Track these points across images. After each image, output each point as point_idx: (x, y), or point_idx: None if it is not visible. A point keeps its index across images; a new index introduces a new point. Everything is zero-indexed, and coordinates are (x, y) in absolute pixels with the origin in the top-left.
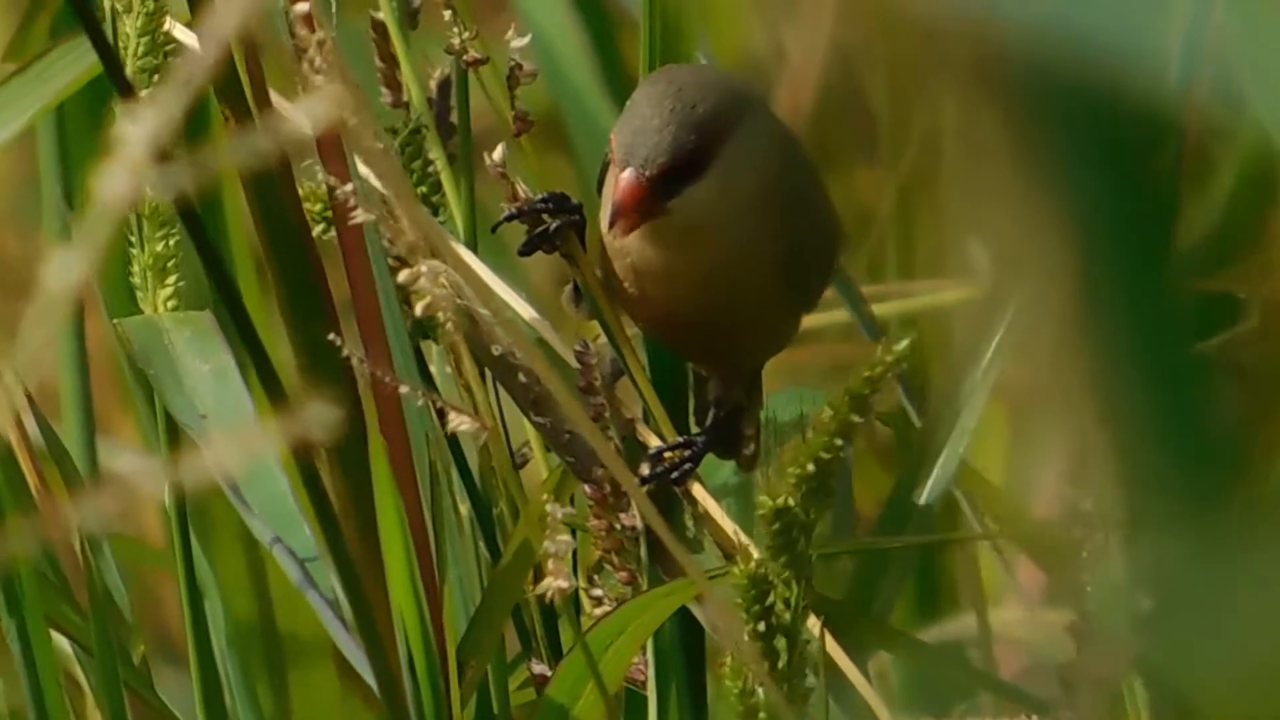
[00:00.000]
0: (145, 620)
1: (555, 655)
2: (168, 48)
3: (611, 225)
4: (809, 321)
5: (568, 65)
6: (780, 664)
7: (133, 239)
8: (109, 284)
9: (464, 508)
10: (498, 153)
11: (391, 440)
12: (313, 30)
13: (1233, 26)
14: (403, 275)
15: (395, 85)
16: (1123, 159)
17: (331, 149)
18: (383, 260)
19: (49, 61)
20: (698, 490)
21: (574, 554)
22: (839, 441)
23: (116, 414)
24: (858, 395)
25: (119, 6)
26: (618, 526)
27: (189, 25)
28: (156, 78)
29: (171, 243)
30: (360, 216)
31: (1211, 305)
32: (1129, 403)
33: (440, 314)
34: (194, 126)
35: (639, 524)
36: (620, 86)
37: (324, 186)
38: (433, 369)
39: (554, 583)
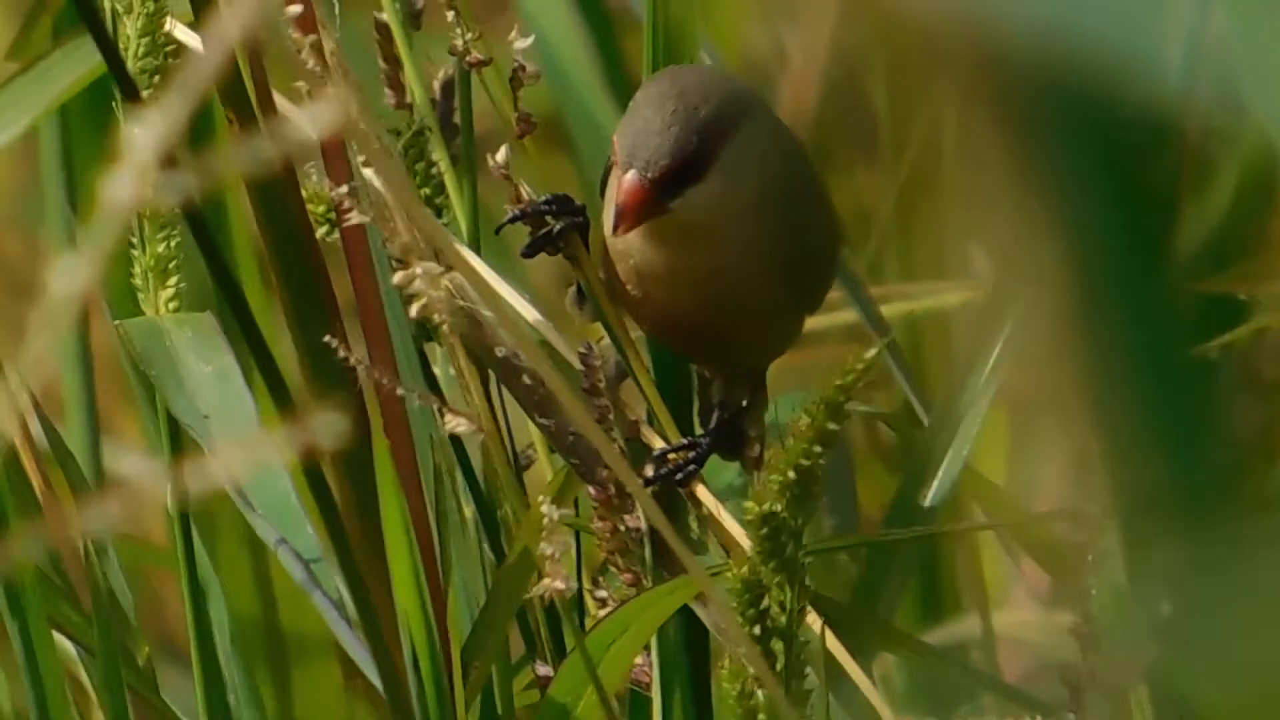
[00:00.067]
0: (149, 622)
1: (560, 657)
2: (168, 49)
3: (615, 228)
4: (814, 323)
5: (570, 66)
6: (778, 666)
7: (134, 240)
8: (112, 286)
9: (468, 510)
10: (501, 154)
11: (395, 442)
12: (314, 32)
13: (1232, 30)
14: (397, 277)
15: (398, 86)
16: (1123, 162)
17: (334, 151)
18: (386, 262)
19: (51, 63)
20: (702, 492)
21: (579, 556)
22: (818, 449)
23: (120, 416)
24: (833, 403)
25: (119, 7)
26: (622, 528)
27: (191, 26)
28: (157, 79)
29: (172, 244)
30: (356, 217)
31: (1212, 308)
32: (1129, 406)
33: (436, 315)
34: (198, 130)
35: (643, 526)
36: (623, 88)
37: (326, 188)
38: (437, 371)
39: (551, 583)
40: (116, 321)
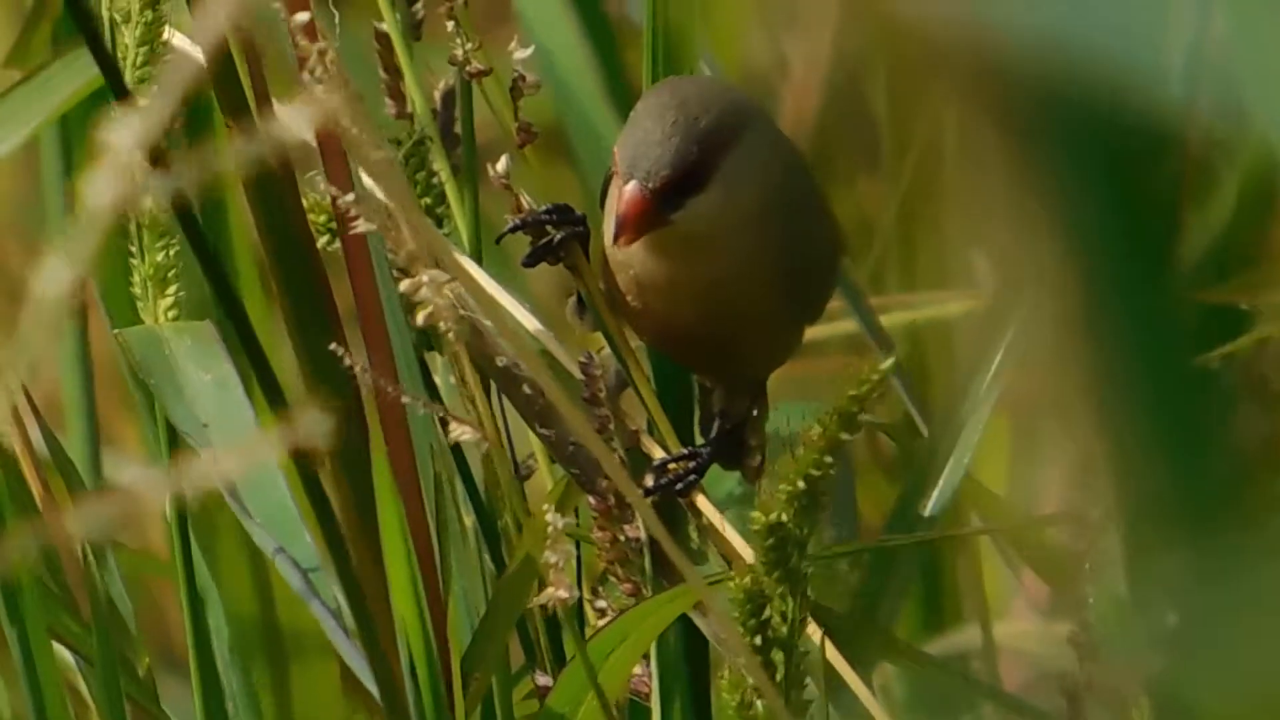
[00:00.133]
0: (149, 631)
1: (559, 666)
2: (167, 57)
3: (616, 239)
4: (815, 333)
5: (571, 76)
6: (778, 676)
7: (133, 249)
8: (111, 294)
9: (469, 519)
10: (501, 164)
11: (396, 450)
12: (315, 40)
13: (1233, 37)
14: (404, 285)
15: (399, 96)
16: (1124, 170)
17: (335, 159)
18: (387, 270)
19: (52, 72)
20: (702, 502)
21: (579, 565)
22: (828, 459)
23: (121, 425)
24: (846, 413)
25: (118, 17)
26: (622, 538)
27: (189, 35)
28: (156, 87)
29: (171, 253)
30: (362, 226)
31: (1214, 318)
32: (1133, 415)
33: (442, 324)
34: (198, 137)
35: (643, 535)
36: (623, 98)
37: (328, 197)
38: (437, 379)
39: (555, 593)
40: (116, 330)
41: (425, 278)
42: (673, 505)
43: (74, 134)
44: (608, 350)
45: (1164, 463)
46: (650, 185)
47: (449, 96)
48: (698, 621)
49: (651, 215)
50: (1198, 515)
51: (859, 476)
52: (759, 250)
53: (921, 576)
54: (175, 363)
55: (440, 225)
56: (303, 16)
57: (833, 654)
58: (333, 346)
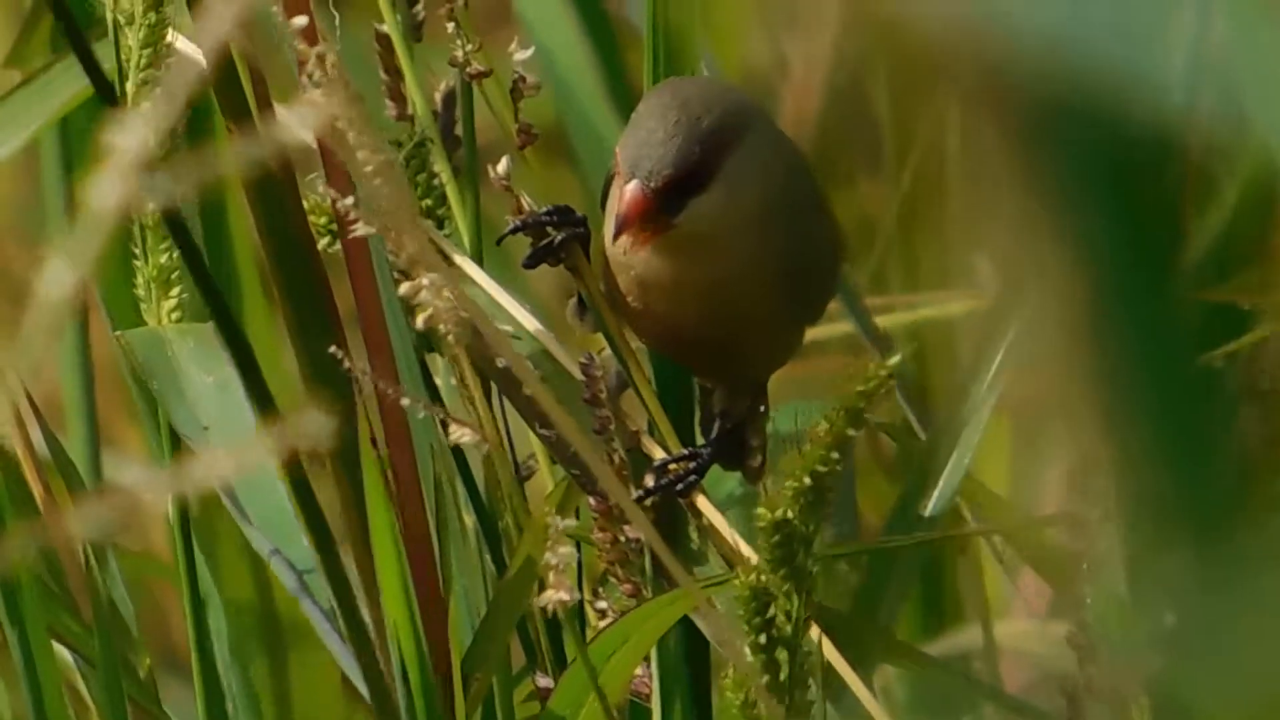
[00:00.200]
0: (151, 633)
1: (560, 668)
2: (170, 60)
3: (616, 237)
4: (815, 333)
5: (571, 77)
6: (782, 676)
7: (136, 251)
8: (113, 296)
9: (469, 520)
10: (502, 165)
11: (397, 452)
12: (314, 43)
13: (1233, 42)
14: (404, 287)
15: (400, 98)
16: (1125, 171)
17: (335, 162)
18: (388, 273)
19: (52, 75)
20: (702, 502)
21: (580, 567)
22: (835, 455)
23: (122, 427)
24: (853, 409)
25: (121, 19)
26: (622, 539)
27: (188, 36)
28: (159, 90)
29: (175, 255)
30: (361, 229)
31: (1214, 317)
32: (1133, 416)
33: (442, 326)
34: (199, 139)
35: (643, 536)
36: (624, 99)
37: (328, 199)
38: (438, 381)
39: (555, 594)
40: (118, 332)
41: (425, 280)
42: (673, 506)
43: (74, 137)
44: (608, 351)
45: (1166, 463)
46: (652, 185)
47: (450, 98)
48: (699, 623)
49: (652, 215)
50: (1199, 515)
51: (859, 476)
52: (761, 251)
53: (922, 577)
54: (178, 365)
55: (441, 227)
56: (300, 20)
57: (833, 654)
58: (332, 349)
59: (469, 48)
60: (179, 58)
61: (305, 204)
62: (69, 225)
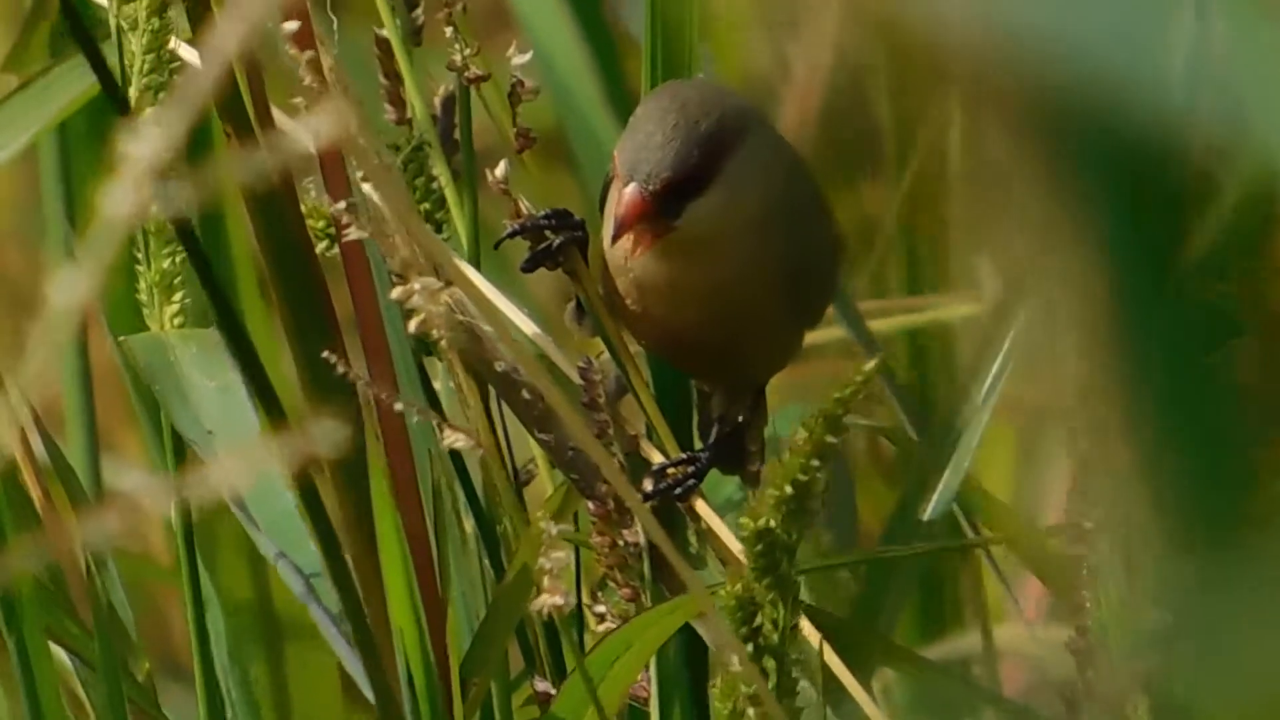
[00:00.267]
0: (151, 638)
1: (559, 672)
2: (173, 65)
3: (614, 240)
4: (814, 337)
5: (570, 81)
6: (770, 684)
7: (139, 256)
8: (111, 301)
9: (468, 524)
10: (500, 169)
11: (395, 457)
12: (312, 48)
13: (1233, 43)
14: (396, 292)
15: (399, 102)
16: (1126, 172)
17: (333, 166)
18: (386, 277)
19: (51, 79)
20: (701, 506)
21: (578, 571)
22: (815, 463)
23: (122, 433)
24: (831, 416)
25: (124, 24)
26: (621, 543)
27: (191, 43)
28: (162, 95)
29: (178, 260)
30: (354, 233)
31: (1214, 317)
32: (1137, 418)
33: (435, 330)
34: (197, 145)
35: (642, 540)
36: (622, 103)
37: (326, 203)
38: (437, 385)
39: (550, 599)
40: (120, 338)
41: (417, 285)
42: (672, 510)
43: (73, 140)
44: (607, 355)
45: (1170, 464)
46: (650, 188)
47: (448, 102)
48: (699, 629)
49: (651, 217)
50: (1204, 516)
51: (859, 480)
52: (760, 254)
53: (921, 581)
54: (180, 369)
55: (440, 230)
56: (291, 25)
57: (832, 659)
58: (326, 354)
59: (468, 52)
60: (191, 67)
61: (303, 207)
62: (74, 231)
